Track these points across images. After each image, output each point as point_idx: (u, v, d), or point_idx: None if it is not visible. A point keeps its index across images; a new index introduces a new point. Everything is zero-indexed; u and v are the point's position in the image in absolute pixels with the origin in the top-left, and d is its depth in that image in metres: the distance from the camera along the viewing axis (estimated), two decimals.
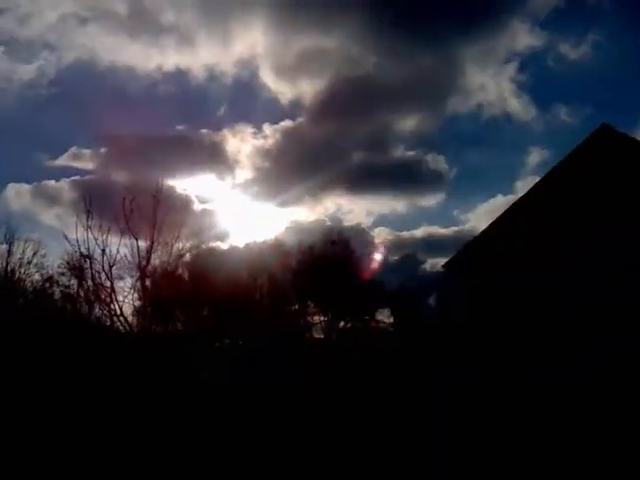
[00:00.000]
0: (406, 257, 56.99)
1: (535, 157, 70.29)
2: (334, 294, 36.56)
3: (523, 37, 66.72)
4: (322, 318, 38.44)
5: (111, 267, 27.50)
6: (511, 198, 67.71)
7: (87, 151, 57.55)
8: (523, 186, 70.22)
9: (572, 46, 70.71)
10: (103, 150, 52.06)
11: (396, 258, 54.56)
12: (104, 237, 24.01)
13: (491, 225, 16.40)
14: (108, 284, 29.46)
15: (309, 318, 38.89)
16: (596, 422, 13.34)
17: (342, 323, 39.44)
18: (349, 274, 38.04)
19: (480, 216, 68.70)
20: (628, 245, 14.16)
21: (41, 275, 31.27)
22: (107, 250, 27.34)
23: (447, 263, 16.78)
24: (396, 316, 37.83)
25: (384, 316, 41.34)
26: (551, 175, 15.77)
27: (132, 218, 27.44)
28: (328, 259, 37.41)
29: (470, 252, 16.62)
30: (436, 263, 62.03)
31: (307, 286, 36.50)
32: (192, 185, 28.68)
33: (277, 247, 38.99)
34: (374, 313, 40.55)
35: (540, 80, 67.11)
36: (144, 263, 29.98)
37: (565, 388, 13.97)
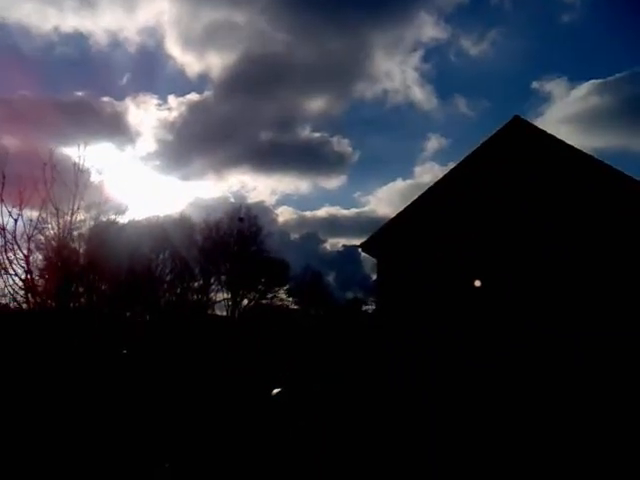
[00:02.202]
0: (307, 236, 57.71)
1: (434, 144, 73.75)
2: (240, 271, 36.22)
3: (429, 29, 69.49)
4: (226, 296, 38.02)
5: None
6: (410, 182, 70.37)
7: None
8: (421, 171, 73.48)
9: (473, 42, 74.36)
10: None
11: (297, 237, 55.04)
12: None
13: (405, 209, 16.69)
14: None
15: (212, 295, 38.31)
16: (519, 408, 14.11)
17: (246, 301, 39.23)
18: (255, 251, 37.82)
19: (380, 199, 71.06)
20: (538, 236, 14.96)
21: None
22: None
23: (363, 244, 16.92)
24: None
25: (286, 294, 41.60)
26: (464, 164, 16.22)
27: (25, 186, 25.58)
28: (235, 236, 36.98)
29: (384, 235, 16.84)
30: (336, 243, 63.33)
31: (212, 263, 35.88)
32: (90, 155, 27.03)
33: (182, 222, 37.89)
34: (278, 291, 40.66)
35: (442, 71, 70.15)
36: (37, 235, 28.08)
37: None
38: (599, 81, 63.07)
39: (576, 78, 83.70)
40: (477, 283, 15.35)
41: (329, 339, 25.49)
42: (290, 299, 41.43)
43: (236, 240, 36.69)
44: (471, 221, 15.80)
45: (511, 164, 15.53)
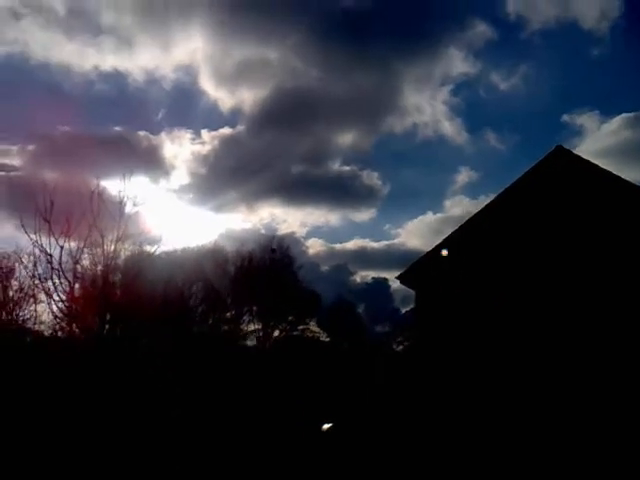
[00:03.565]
0: (337, 268, 57.49)
1: (464, 177, 73.75)
2: (271, 302, 36.08)
3: (458, 64, 69.99)
4: (257, 327, 37.84)
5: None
6: (440, 216, 70.14)
7: (15, 147, 54.61)
8: (451, 205, 73.18)
9: (503, 77, 74.58)
10: (33, 148, 49.80)
11: (327, 268, 54.93)
12: (36, 236, 22.91)
13: (444, 240, 16.49)
14: (34, 285, 27.95)
15: (243, 326, 38.18)
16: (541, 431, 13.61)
17: (277, 332, 38.98)
18: (287, 282, 37.72)
19: (410, 232, 70.91)
20: (584, 264, 14.59)
21: None
22: (35, 250, 25.97)
23: (401, 275, 16.73)
24: None
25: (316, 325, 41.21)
26: (505, 194, 16.01)
27: (62, 217, 26.21)
28: (267, 267, 36.97)
29: (422, 266, 16.63)
30: (366, 275, 63.11)
31: (244, 293, 35.85)
32: (126, 188, 27.71)
33: (215, 253, 38.10)
34: (309, 322, 40.37)
35: (472, 105, 70.35)
36: (73, 264, 28.61)
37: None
38: (630, 115, 62.15)
39: (607, 112, 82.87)
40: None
41: (362, 372, 25.04)
42: (320, 331, 41.09)
43: (268, 271, 36.67)
44: (511, 252, 15.50)
45: (554, 194, 15.27)
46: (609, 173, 14.78)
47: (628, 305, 14.12)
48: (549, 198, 15.27)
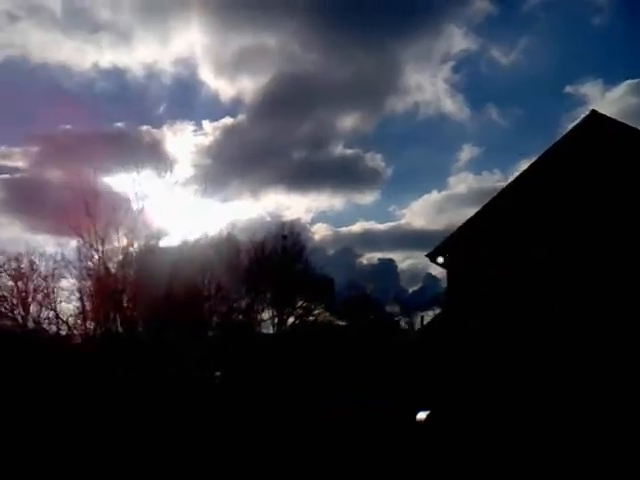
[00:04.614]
0: (343, 251, 57.10)
1: (467, 154, 73.54)
2: (285, 289, 35.63)
3: (458, 41, 69.54)
4: (271, 314, 37.39)
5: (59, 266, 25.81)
6: (445, 194, 69.69)
7: (17, 149, 54.06)
8: (456, 181, 72.73)
9: (504, 51, 73.71)
10: (35, 149, 49.36)
11: (334, 252, 54.54)
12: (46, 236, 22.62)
13: (475, 216, 15.95)
14: (47, 284, 27.61)
15: (258, 314, 37.75)
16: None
17: (292, 319, 38.57)
18: (300, 268, 37.25)
19: (415, 212, 70.67)
20: (619, 235, 14.04)
21: None
22: (47, 249, 25.73)
23: (431, 253, 16.18)
24: None
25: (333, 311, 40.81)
26: (537, 164, 15.45)
27: (71, 216, 25.81)
28: (279, 254, 36.47)
29: (452, 243, 16.09)
30: (372, 257, 62.80)
31: (258, 281, 35.35)
32: (131, 182, 27.42)
33: (226, 242, 37.54)
34: (323, 307, 39.90)
35: (473, 82, 69.66)
36: (85, 262, 28.26)
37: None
38: (635, 81, 61.22)
39: (610, 80, 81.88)
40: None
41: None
42: (334, 316, 40.66)
43: (281, 258, 36.18)
44: (545, 222, 14.99)
45: (590, 160, 14.69)
46: None
47: None
48: (585, 165, 14.71)
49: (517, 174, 15.87)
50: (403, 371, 20.00)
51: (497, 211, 15.64)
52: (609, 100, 60.60)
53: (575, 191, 14.67)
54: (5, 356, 20.47)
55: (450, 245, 15.94)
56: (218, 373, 24.83)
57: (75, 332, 28.58)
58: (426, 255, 16.20)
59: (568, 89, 71.00)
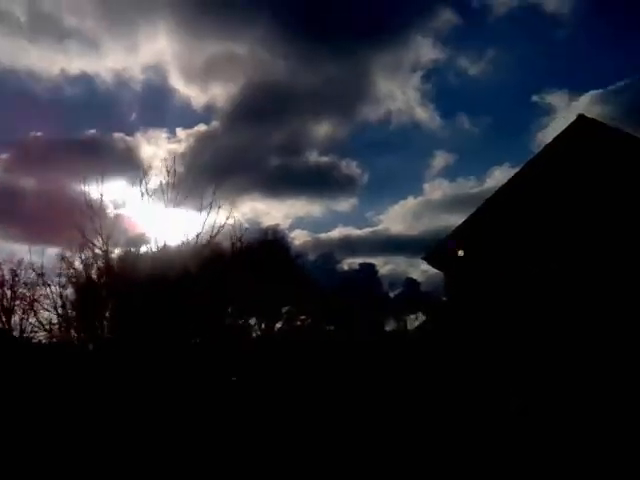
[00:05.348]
0: (323, 257, 57.41)
1: (440, 161, 75.35)
2: (272, 293, 35.67)
3: (427, 50, 70.99)
4: (257, 319, 37.41)
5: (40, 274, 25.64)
6: (421, 199, 70.79)
7: None
8: (431, 188, 73.97)
9: (471, 61, 75.17)
10: (7, 156, 48.71)
11: (314, 257, 54.82)
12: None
13: (469, 218, 16.31)
14: (30, 293, 27.38)
15: (244, 320, 37.75)
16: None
17: (279, 324, 38.65)
18: (286, 272, 37.32)
19: (392, 217, 71.60)
20: (610, 233, 14.48)
21: None
22: (26, 258, 25.58)
23: (427, 256, 16.51)
24: None
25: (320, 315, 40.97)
26: (528, 168, 15.87)
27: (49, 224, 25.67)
28: (265, 258, 36.50)
29: (445, 247, 16.43)
30: (353, 262, 63.38)
31: (245, 287, 35.35)
32: (106, 190, 27.37)
33: (210, 248, 37.51)
34: (310, 311, 40.04)
35: (443, 90, 71.17)
36: (66, 270, 28.15)
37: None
38: (598, 92, 63.09)
39: (575, 90, 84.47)
40: None
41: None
42: (322, 319, 40.87)
43: (266, 262, 36.24)
44: (538, 222, 15.37)
45: (578, 162, 15.14)
46: (635, 138, 14.69)
47: None
48: (574, 167, 15.14)
49: (508, 179, 16.20)
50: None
51: (490, 214, 16.01)
52: (574, 109, 62.31)
53: (566, 192, 15.10)
54: None
55: (445, 248, 16.28)
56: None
57: (55, 340, 28.46)
58: (422, 258, 16.53)
59: (535, 98, 72.74)
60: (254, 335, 35.95)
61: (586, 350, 14.21)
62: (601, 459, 11.00)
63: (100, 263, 28.55)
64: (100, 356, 25.11)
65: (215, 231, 29.25)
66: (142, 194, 24.99)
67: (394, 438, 13.73)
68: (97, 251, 28.07)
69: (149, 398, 19.52)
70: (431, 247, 16.88)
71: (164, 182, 26.27)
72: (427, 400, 16.64)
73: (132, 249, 32.09)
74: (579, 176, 15.02)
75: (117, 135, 60.51)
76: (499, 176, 57.05)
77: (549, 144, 15.60)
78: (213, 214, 27.03)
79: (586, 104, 57.63)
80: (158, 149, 59.01)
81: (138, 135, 66.21)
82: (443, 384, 16.36)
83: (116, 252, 29.16)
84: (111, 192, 28.30)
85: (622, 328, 13.90)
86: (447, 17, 73.00)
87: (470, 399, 14.69)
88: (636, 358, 13.66)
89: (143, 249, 31.35)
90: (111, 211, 28.06)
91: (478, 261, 15.87)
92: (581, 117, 15.37)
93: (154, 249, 32.34)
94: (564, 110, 61.44)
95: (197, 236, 29.21)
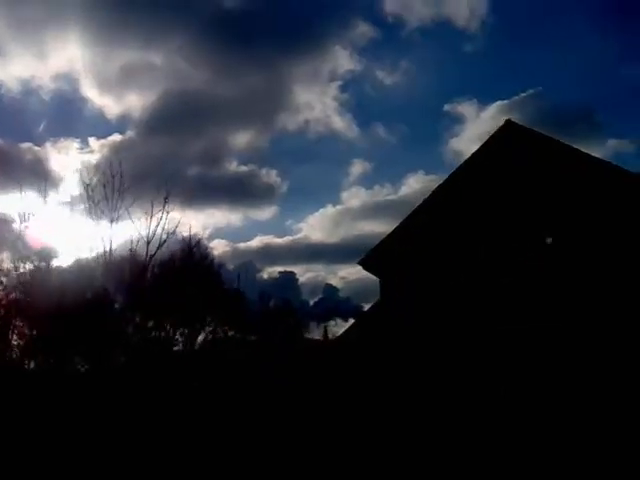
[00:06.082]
0: (243, 265, 56.74)
1: (358, 169, 77.28)
2: (197, 304, 34.56)
3: (344, 61, 72.83)
4: (182, 331, 36.11)
5: None
6: (339, 208, 72.00)
7: None
8: (349, 196, 75.40)
9: (387, 72, 77.90)
10: None
11: (233, 267, 54.02)
12: None
13: (403, 222, 16.39)
14: None
15: (166, 332, 36.36)
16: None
17: (202, 335, 37.46)
18: (210, 283, 36.28)
19: (312, 225, 72.19)
20: (538, 237, 14.94)
21: None
22: None
23: (362, 261, 16.39)
24: None
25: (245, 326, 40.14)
26: (459, 172, 16.15)
27: None
28: (187, 269, 35.30)
29: (382, 251, 16.42)
30: (273, 271, 63.18)
31: (166, 298, 34.03)
32: (12, 202, 25.80)
33: (127, 260, 35.82)
34: (234, 322, 39.13)
35: (360, 100, 73.13)
36: None
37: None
38: (504, 102, 67.51)
39: (484, 100, 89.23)
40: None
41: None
42: (247, 330, 40.06)
43: (189, 273, 35.06)
44: (470, 226, 15.66)
45: (506, 167, 15.55)
46: (561, 143, 15.25)
47: (589, 272, 14.54)
48: (502, 172, 15.54)
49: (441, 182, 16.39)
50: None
51: (423, 218, 16.15)
52: (483, 119, 65.79)
53: (495, 195, 15.47)
54: None
55: (381, 253, 16.24)
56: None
57: None
58: (358, 263, 16.41)
59: (446, 108, 76.02)
60: (176, 349, 34.60)
61: (520, 359, 14.48)
62: None
63: (4, 278, 26.75)
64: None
65: (132, 243, 28.16)
66: (51, 206, 23.66)
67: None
68: (4, 266, 26.36)
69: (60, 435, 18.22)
70: (366, 252, 16.74)
71: (76, 193, 24.83)
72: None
73: (42, 264, 30.17)
74: (509, 179, 15.43)
75: (25, 145, 57.01)
76: (414, 183, 59.18)
77: (478, 149, 15.91)
78: (129, 225, 25.93)
79: (494, 113, 60.79)
80: (69, 159, 56.17)
81: (47, 145, 62.61)
82: (372, 395, 16.29)
83: (26, 267, 27.44)
84: (20, 204, 26.43)
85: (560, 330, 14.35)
86: (364, 29, 75.08)
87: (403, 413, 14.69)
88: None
89: (55, 263, 29.64)
90: (19, 224, 26.35)
91: (415, 267, 15.95)
92: (508, 122, 15.80)
93: (67, 263, 30.58)
94: (474, 119, 64.45)
95: (110, 249, 28.01)
